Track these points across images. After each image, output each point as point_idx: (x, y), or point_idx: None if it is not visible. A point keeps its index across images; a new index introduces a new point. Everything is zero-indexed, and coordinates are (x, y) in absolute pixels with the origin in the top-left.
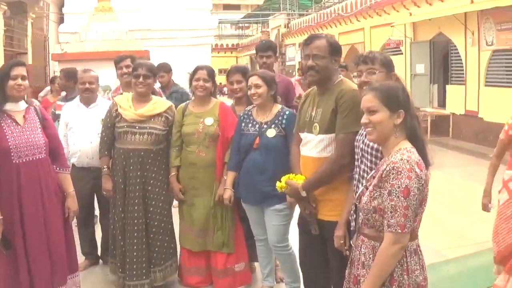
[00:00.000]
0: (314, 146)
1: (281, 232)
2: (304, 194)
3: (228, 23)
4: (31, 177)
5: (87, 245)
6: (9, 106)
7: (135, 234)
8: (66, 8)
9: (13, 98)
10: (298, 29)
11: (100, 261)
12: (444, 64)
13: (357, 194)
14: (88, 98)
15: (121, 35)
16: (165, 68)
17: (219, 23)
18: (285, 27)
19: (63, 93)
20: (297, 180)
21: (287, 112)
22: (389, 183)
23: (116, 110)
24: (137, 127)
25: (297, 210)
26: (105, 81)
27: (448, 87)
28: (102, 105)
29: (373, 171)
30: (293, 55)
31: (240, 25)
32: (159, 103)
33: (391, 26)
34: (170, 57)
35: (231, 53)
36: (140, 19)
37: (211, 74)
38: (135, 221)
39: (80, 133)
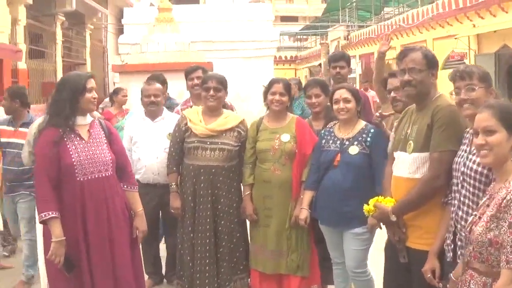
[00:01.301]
0: (407, 165)
1: (360, 257)
2: (393, 218)
3: (287, 35)
4: (96, 196)
5: (151, 264)
6: (76, 121)
7: (204, 254)
8: (126, 19)
9: (84, 112)
10: (358, 41)
11: (164, 280)
12: (509, 77)
13: (468, 223)
14: (154, 111)
15: (183, 47)
16: (158, 81)
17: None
18: (344, 39)
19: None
20: (387, 203)
21: (372, 130)
22: (510, 214)
23: (186, 124)
24: (208, 143)
25: (378, 234)
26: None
27: None
28: (168, 118)
29: (485, 198)
30: (354, 67)
31: (299, 37)
32: (231, 117)
33: (455, 38)
34: (232, 69)
35: (290, 65)
36: (202, 30)
37: (287, 88)
38: (205, 241)
39: (146, 148)
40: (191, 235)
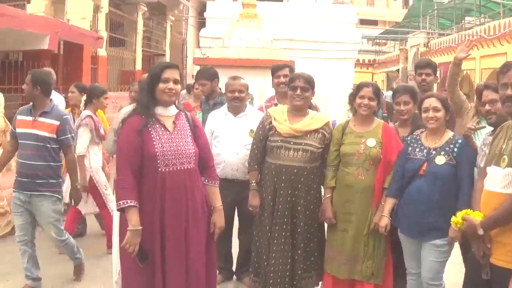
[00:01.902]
0: (499, 180)
1: (437, 269)
2: (481, 232)
3: (365, 39)
4: (177, 188)
5: (222, 260)
6: (159, 110)
7: (280, 254)
8: (209, 13)
9: (162, 102)
10: (438, 49)
11: (234, 277)
12: None
13: None
14: (237, 107)
15: (266, 44)
16: (208, 74)
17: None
18: (424, 46)
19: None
20: (475, 216)
21: (459, 140)
22: None
23: (270, 122)
24: (291, 143)
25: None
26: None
27: None
28: (251, 115)
29: None
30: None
31: (377, 41)
32: (316, 118)
33: None
34: (313, 69)
35: (367, 68)
36: (285, 28)
37: (377, 92)
38: (281, 240)
39: (226, 143)
40: (269, 234)
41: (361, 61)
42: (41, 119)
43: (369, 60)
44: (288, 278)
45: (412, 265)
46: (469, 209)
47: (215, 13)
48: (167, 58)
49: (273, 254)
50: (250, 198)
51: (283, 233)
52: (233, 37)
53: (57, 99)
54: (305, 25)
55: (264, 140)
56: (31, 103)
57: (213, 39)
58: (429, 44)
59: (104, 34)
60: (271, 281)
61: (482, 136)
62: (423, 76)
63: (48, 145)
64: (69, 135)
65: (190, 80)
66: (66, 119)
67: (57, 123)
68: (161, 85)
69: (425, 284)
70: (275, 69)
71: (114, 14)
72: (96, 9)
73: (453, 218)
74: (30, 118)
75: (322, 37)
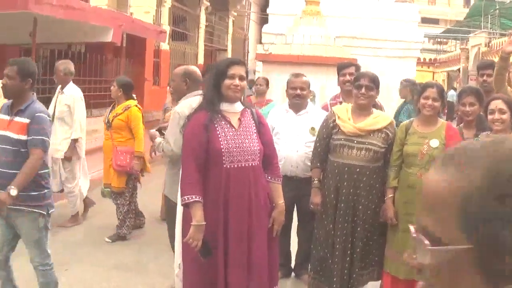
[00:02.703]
0: None
1: None
2: None
3: (426, 37)
4: (241, 184)
5: (282, 256)
6: (224, 107)
7: (340, 252)
8: (271, 9)
9: (228, 99)
10: (499, 49)
11: (293, 274)
12: None
13: None
14: (298, 104)
15: (329, 41)
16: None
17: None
18: (485, 45)
19: None
20: None
21: None
22: None
23: (334, 120)
24: (355, 142)
25: None
26: (310, 87)
27: None
28: (312, 112)
29: None
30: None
31: (439, 40)
32: (380, 118)
33: None
34: (375, 67)
35: (428, 67)
36: (347, 26)
37: (441, 93)
38: (341, 239)
39: (287, 140)
40: (332, 232)
41: (422, 60)
42: (17, 118)
43: (430, 59)
44: (346, 276)
45: None
46: None
47: (278, 9)
48: (229, 53)
49: (334, 252)
50: (312, 195)
51: (344, 231)
52: (296, 33)
53: (75, 91)
54: (367, 23)
55: (327, 138)
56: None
57: (276, 35)
58: (490, 44)
59: (167, 28)
60: (330, 278)
61: None
62: (485, 77)
63: (22, 150)
64: (40, 137)
65: (251, 76)
66: (39, 117)
67: (27, 121)
68: (227, 81)
69: None
70: (341, 67)
71: (177, 8)
72: (160, 3)
73: None
74: (7, 118)
75: (384, 35)
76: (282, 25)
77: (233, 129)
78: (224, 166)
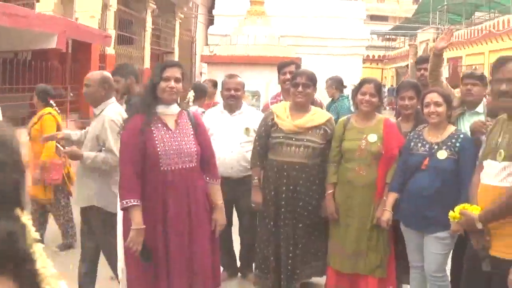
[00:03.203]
0: (496, 174)
1: (440, 261)
2: (480, 226)
3: (375, 34)
4: (179, 186)
5: (226, 257)
6: (160, 109)
7: (284, 249)
8: (217, 10)
9: (164, 101)
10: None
11: (239, 274)
12: None
13: None
14: (233, 105)
15: (273, 41)
16: (122, 71)
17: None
18: (433, 41)
19: None
20: (473, 210)
21: (461, 135)
22: None
23: (272, 119)
24: (293, 139)
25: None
26: (254, 87)
27: None
28: (247, 113)
29: None
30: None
31: (387, 37)
32: (318, 115)
33: None
34: (321, 65)
35: (377, 64)
36: (292, 25)
37: (378, 88)
38: (284, 236)
39: (221, 141)
40: (273, 229)
41: (371, 57)
42: None
43: (379, 56)
44: (290, 272)
45: (415, 258)
46: (466, 204)
47: (224, 11)
48: (176, 56)
49: (277, 249)
50: (252, 194)
51: (286, 228)
52: (240, 34)
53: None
54: (313, 22)
55: (266, 137)
56: None
57: (221, 37)
58: (438, 39)
59: (112, 32)
60: (275, 275)
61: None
62: (422, 71)
63: None
64: None
65: (198, 78)
66: None
67: None
68: (162, 84)
69: (429, 277)
70: (281, 66)
71: (123, 12)
72: (105, 7)
73: (450, 213)
74: None
75: (330, 34)
76: (228, 26)
77: (170, 131)
78: (162, 168)
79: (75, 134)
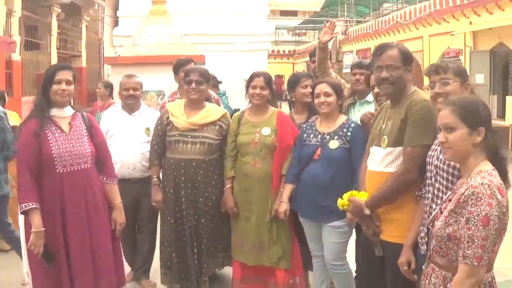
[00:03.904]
0: (380, 160)
1: (338, 250)
2: (367, 212)
3: (285, 29)
4: (75, 188)
5: (130, 257)
6: (54, 112)
7: (188, 244)
8: (121, 11)
9: (57, 104)
10: (355, 36)
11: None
12: (504, 75)
13: (431, 217)
14: (132, 105)
15: (176, 39)
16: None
17: (276, 29)
18: (342, 34)
19: None
20: (360, 197)
21: (352, 124)
22: (467, 209)
23: (168, 117)
24: (189, 136)
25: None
26: (159, 86)
27: (508, 98)
28: (146, 113)
29: (449, 193)
30: (350, 62)
31: (297, 31)
32: (212, 111)
33: (451, 35)
34: (226, 62)
35: (288, 59)
36: (196, 23)
37: (268, 81)
38: (186, 232)
39: (122, 142)
40: (174, 227)
41: (281, 52)
42: None
43: (289, 51)
44: (197, 267)
45: (315, 248)
46: (354, 191)
47: (127, 11)
48: (83, 59)
49: (180, 246)
50: (152, 193)
51: (189, 224)
52: (143, 34)
53: None
54: (216, 19)
55: (163, 136)
56: None
57: (125, 38)
58: (347, 32)
59: (17, 38)
60: (180, 272)
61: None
62: (313, 65)
63: None
64: None
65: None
66: None
67: None
68: (54, 87)
69: (329, 265)
70: (178, 64)
71: (27, 17)
72: (9, 13)
73: (339, 200)
74: None
75: (233, 30)
76: (132, 26)
77: (64, 134)
78: (57, 171)
79: None
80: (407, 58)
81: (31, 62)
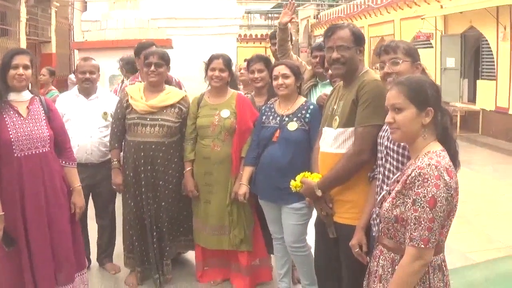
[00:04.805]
0: (332, 140)
1: (298, 232)
2: (319, 193)
3: (258, 13)
4: (34, 171)
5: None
6: (11, 97)
7: (148, 227)
8: None
9: (14, 88)
10: (327, 20)
11: (96, 263)
12: (475, 59)
13: (379, 198)
14: (88, 88)
15: (143, 23)
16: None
17: (248, 13)
18: (314, 18)
19: None
20: (313, 178)
21: (311, 106)
22: (414, 191)
23: (127, 100)
24: (148, 119)
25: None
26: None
27: (478, 82)
28: (103, 97)
29: (397, 174)
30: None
31: (270, 15)
32: (172, 94)
33: (422, 19)
34: (195, 46)
35: (260, 43)
36: (164, 7)
37: (227, 63)
38: (146, 215)
39: (79, 126)
40: (134, 210)
41: (253, 36)
42: None
43: (261, 35)
44: (157, 251)
45: (275, 230)
46: (307, 172)
47: None
48: (53, 44)
49: (142, 229)
50: (113, 176)
51: (149, 207)
52: (110, 19)
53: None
54: (184, 2)
55: (122, 119)
56: None
57: (92, 22)
58: (319, 16)
59: None
60: (142, 255)
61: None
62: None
63: None
64: None
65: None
66: None
67: None
68: (11, 71)
69: (289, 248)
70: (139, 48)
71: None
72: None
73: (292, 182)
74: None
75: (201, 14)
76: (99, 11)
77: (22, 118)
78: (15, 155)
79: None
80: (358, 39)
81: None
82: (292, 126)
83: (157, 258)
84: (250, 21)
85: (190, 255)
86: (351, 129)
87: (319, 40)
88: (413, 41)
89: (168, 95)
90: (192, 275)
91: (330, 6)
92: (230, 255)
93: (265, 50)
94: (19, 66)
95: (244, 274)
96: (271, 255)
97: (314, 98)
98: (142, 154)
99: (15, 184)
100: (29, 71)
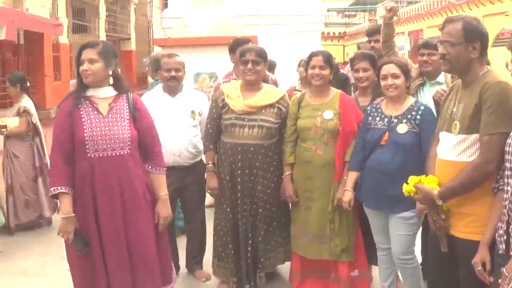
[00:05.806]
0: (452, 147)
1: (407, 243)
2: (440, 203)
3: (335, 11)
4: (107, 175)
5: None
6: (90, 92)
7: (242, 235)
8: None
9: (88, 84)
10: (407, 17)
11: (186, 270)
12: None
13: None
14: (174, 87)
15: (227, 20)
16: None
17: (326, 10)
18: None
19: None
20: (429, 183)
21: (422, 107)
22: None
23: (223, 99)
24: (246, 119)
25: None
26: (211, 68)
27: None
28: (189, 95)
29: None
30: (402, 44)
31: (347, 13)
32: (270, 93)
33: (506, 15)
34: (278, 43)
35: (338, 41)
36: (247, 4)
37: (328, 60)
38: (242, 222)
39: (166, 126)
40: (230, 215)
41: (331, 34)
42: None
43: (339, 33)
44: (250, 260)
45: (381, 240)
46: (422, 176)
47: None
48: (133, 41)
49: (236, 236)
50: (208, 180)
51: (245, 213)
52: (193, 15)
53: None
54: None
55: (218, 119)
56: None
57: (175, 19)
58: (398, 14)
59: (64, 21)
60: (235, 264)
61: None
62: (372, 44)
63: None
64: None
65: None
66: None
67: None
68: (80, 68)
69: (396, 259)
70: (235, 43)
71: (75, 0)
72: None
73: (404, 186)
74: None
75: (285, 11)
76: (182, 8)
77: (100, 116)
78: (88, 155)
79: None
80: (472, 34)
81: (79, 45)
82: (402, 128)
83: (249, 269)
84: (327, 19)
85: (285, 264)
86: (474, 136)
87: (399, 37)
88: (496, 38)
89: (267, 94)
90: (286, 285)
91: (409, 3)
92: (329, 265)
93: (343, 48)
94: (84, 62)
95: (344, 287)
96: (371, 265)
97: (422, 98)
98: (240, 157)
99: (87, 186)
100: (97, 65)
